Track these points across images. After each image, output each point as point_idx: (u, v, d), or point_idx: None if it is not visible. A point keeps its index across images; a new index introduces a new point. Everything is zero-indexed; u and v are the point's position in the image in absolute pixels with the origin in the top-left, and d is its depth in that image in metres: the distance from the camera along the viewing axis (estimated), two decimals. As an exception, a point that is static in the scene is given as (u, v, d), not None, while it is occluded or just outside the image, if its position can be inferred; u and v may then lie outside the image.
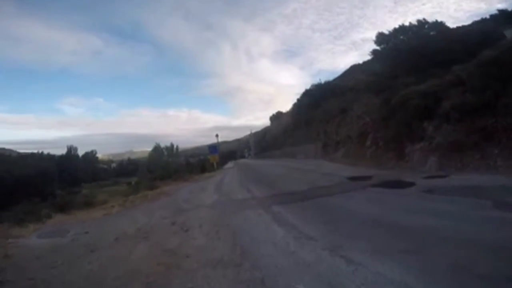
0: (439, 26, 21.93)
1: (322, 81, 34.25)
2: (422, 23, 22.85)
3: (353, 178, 9.83)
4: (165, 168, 29.60)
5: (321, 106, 30.58)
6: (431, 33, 21.73)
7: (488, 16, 22.52)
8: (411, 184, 7.15)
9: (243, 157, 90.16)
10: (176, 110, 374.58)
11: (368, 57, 27.11)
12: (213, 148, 30.90)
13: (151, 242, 4.66)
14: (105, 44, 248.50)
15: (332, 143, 23.17)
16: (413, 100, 13.78)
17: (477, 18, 25.29)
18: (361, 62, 41.59)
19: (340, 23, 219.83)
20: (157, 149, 38.95)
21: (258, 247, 3.78)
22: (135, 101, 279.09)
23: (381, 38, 25.37)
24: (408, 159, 12.99)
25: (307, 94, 34.74)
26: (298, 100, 36.14)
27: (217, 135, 32.64)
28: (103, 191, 20.34)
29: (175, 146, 40.54)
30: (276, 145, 46.78)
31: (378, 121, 17.17)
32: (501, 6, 33.74)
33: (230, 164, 38.63)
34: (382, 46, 25.11)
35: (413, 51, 19.85)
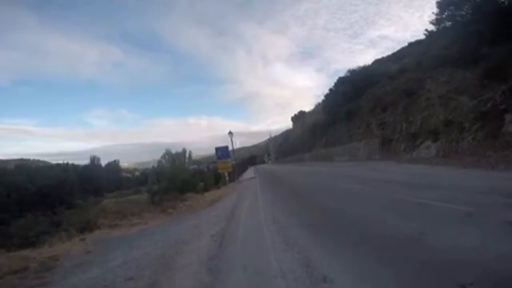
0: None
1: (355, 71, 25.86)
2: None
3: None
4: (171, 179, 22.28)
5: (366, 93, 22.25)
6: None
7: None
8: None
9: (262, 162, 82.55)
10: (196, 118, 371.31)
11: (385, 52, 18.57)
12: (223, 151, 19.35)
13: None
14: (125, 55, 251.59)
15: (402, 137, 14.80)
16: None
17: None
18: (385, 56, 33.41)
19: (355, 21, 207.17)
20: (167, 156, 31.79)
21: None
22: (157, 111, 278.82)
23: (446, 3, 17.22)
24: None
25: (343, 82, 26.50)
26: (331, 90, 27.92)
27: (230, 133, 20.34)
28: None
29: (187, 152, 33.10)
30: (302, 148, 38.49)
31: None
32: None
33: (250, 172, 30.19)
34: (448, 13, 16.99)
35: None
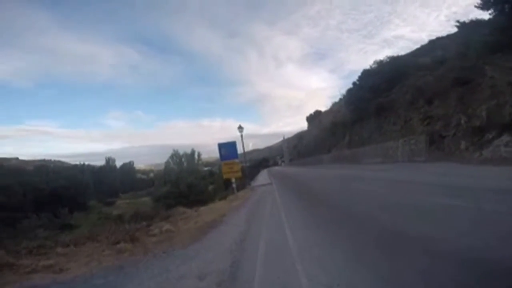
0: None
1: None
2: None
3: None
4: (175, 183, 19.73)
5: (400, 85, 18.85)
6: None
7: None
8: None
9: (275, 164, 79.05)
10: (209, 120, 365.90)
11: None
12: (228, 148, 13.97)
13: None
14: (141, 57, 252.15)
15: (461, 133, 11.49)
16: None
17: None
18: (403, 53, 29.36)
19: (370, 21, 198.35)
20: (174, 157, 29.42)
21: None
22: (171, 113, 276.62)
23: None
24: None
25: (369, 74, 23.14)
26: (354, 84, 24.60)
27: (240, 127, 15.93)
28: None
29: (196, 153, 30.58)
30: (320, 149, 35.13)
31: None
32: None
33: (263, 176, 26.92)
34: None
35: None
